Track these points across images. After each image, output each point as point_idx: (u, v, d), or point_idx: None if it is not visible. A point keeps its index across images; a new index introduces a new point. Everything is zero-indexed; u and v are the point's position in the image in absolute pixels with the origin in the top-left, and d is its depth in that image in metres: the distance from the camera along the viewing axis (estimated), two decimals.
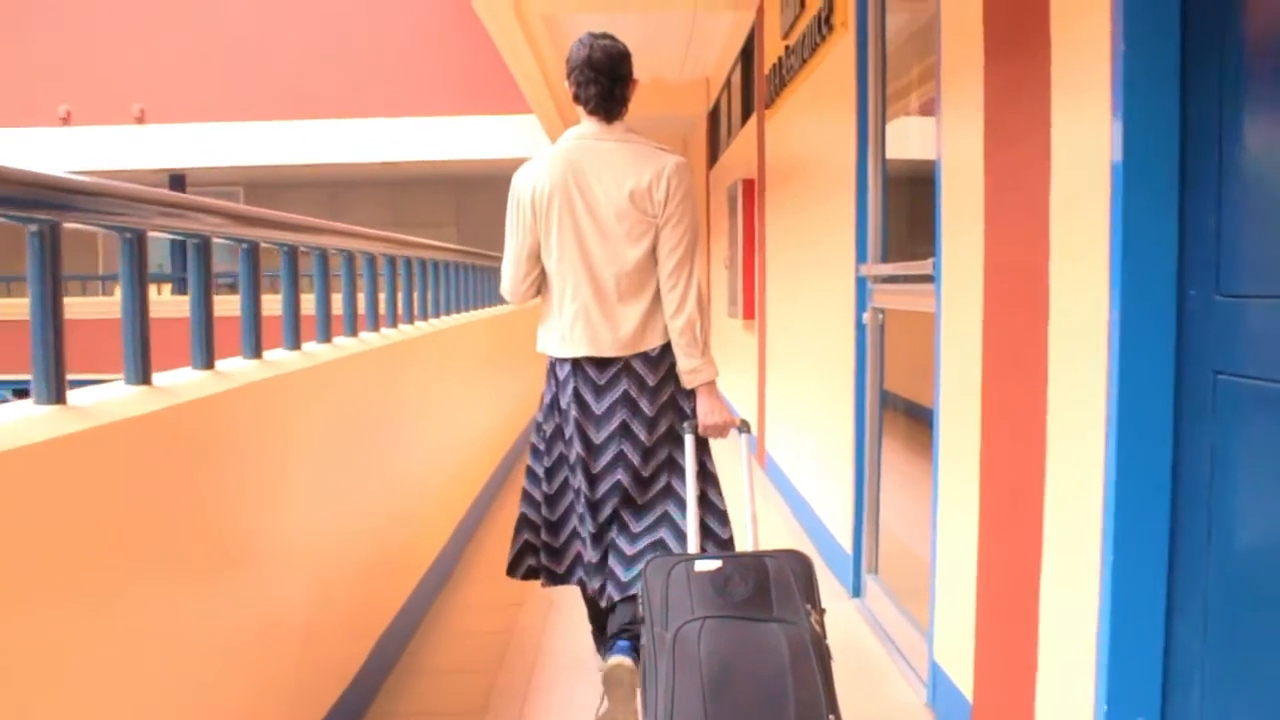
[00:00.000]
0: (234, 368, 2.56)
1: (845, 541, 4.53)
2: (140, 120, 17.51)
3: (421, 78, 17.67)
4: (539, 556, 3.35)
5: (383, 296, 4.27)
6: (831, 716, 2.35)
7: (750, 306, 7.84)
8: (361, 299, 3.94)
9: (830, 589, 4.56)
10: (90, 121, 17.45)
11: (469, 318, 6.09)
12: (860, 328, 4.32)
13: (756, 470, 7.43)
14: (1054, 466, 2.34)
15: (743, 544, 3.02)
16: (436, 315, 5.36)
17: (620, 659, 2.98)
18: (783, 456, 6.48)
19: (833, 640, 2.51)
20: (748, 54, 8.39)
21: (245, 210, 2.67)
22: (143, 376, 2.10)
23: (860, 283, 4.32)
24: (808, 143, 5.61)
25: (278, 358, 2.86)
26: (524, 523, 3.36)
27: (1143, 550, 2.03)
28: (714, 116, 11.97)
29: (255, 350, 2.72)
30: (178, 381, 2.22)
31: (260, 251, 2.77)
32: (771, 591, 2.51)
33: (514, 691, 3.58)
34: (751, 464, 3.15)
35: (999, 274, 2.69)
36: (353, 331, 3.73)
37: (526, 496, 3.38)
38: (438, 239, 5.49)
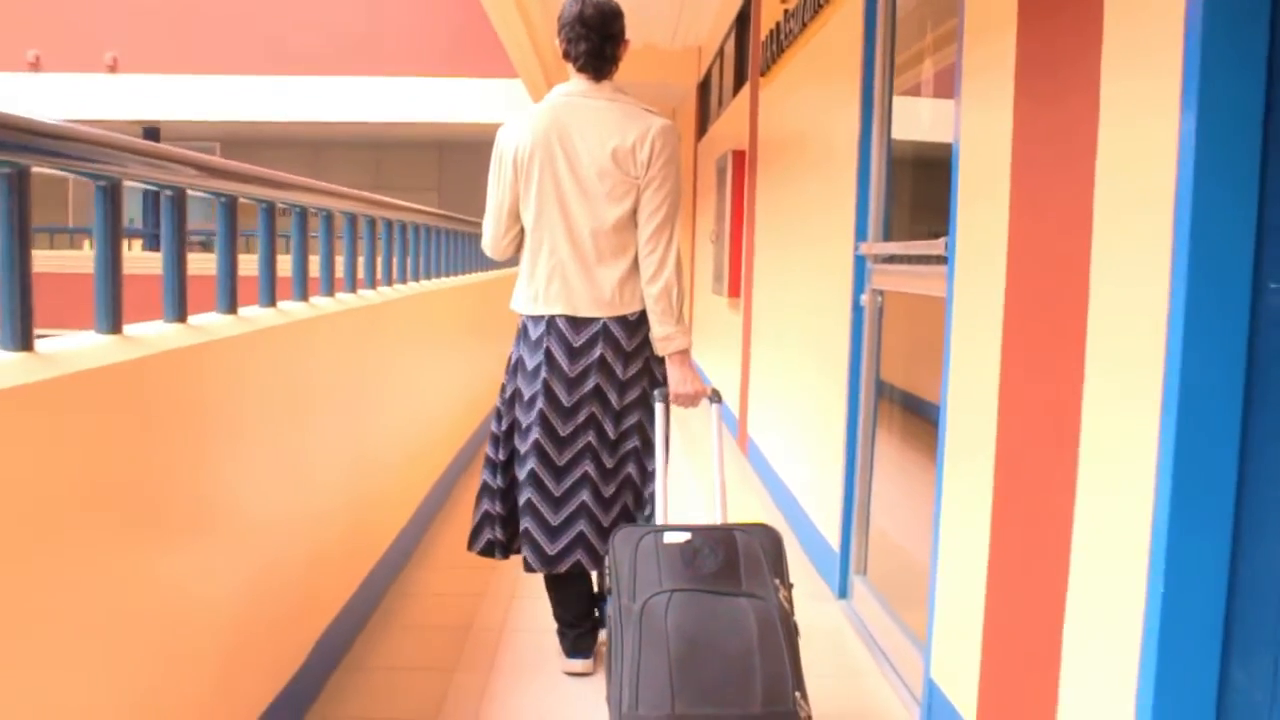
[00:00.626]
0: (207, 322, 2.48)
1: (832, 538, 4.25)
2: (113, 69, 17.04)
3: (407, 37, 17.23)
4: (495, 529, 3.30)
5: (361, 259, 4.19)
6: (798, 693, 2.34)
7: (736, 283, 7.53)
8: (340, 260, 3.87)
9: (814, 589, 4.28)
10: (60, 68, 16.96)
11: (448, 283, 5.94)
12: (857, 310, 4.03)
13: (728, 441, 7.16)
14: (1089, 477, 2.05)
15: (713, 516, 2.95)
16: (416, 279, 5.26)
17: (578, 665, 3.25)
18: (766, 441, 6.20)
19: (816, 645, 2.37)
20: (743, 20, 8.05)
21: (223, 163, 2.61)
22: (114, 326, 2.05)
23: (859, 262, 4.02)
24: (805, 113, 5.29)
25: (253, 314, 2.78)
26: (484, 491, 3.32)
27: (1199, 583, 1.74)
28: (704, 87, 11.63)
29: (230, 305, 2.66)
30: (149, 333, 2.16)
31: (238, 208, 2.71)
32: (740, 565, 2.51)
33: (470, 691, 3.31)
34: (722, 434, 3.10)
35: (1026, 257, 2.39)
36: (330, 291, 3.65)
37: (488, 463, 3.32)
38: (419, 203, 5.44)
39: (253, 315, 2.76)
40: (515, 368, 3.25)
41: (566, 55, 3.17)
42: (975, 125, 2.76)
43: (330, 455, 3.33)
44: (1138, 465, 1.83)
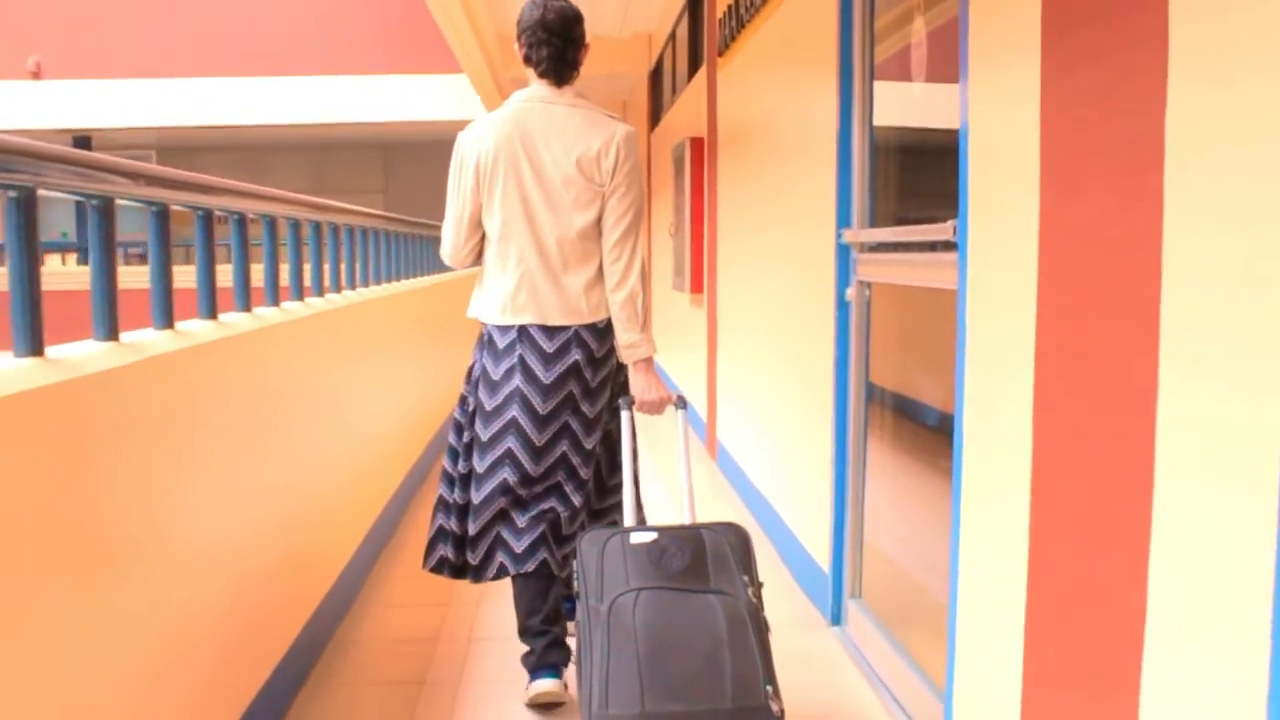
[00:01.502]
0: (142, 339, 2.36)
1: (821, 557, 3.86)
2: (36, 75, 16.32)
3: (346, 34, 16.66)
4: (448, 547, 3.21)
5: (308, 266, 4.09)
6: (769, 687, 2.34)
7: (699, 278, 7.13)
8: (285, 268, 3.75)
9: (803, 614, 3.89)
10: None
11: (396, 289, 5.73)
12: (842, 305, 3.63)
13: (694, 445, 6.79)
14: (1170, 505, 1.65)
15: (681, 518, 2.91)
16: (365, 285, 5.10)
17: (545, 686, 3.04)
18: (738, 445, 5.80)
19: (808, 676, 2.64)
20: (696, 0, 7.65)
21: (153, 169, 2.53)
22: (34, 348, 1.91)
23: (842, 252, 3.63)
24: (771, 92, 4.89)
25: (192, 328, 2.67)
26: (441, 505, 3.25)
27: None
28: (656, 75, 11.22)
29: (166, 320, 2.53)
30: (75, 354, 2.03)
31: (171, 217, 2.59)
32: (708, 563, 2.51)
33: (442, 699, 3.25)
34: (687, 438, 3.09)
35: (1067, 239, 1.99)
36: (275, 301, 3.56)
37: (445, 476, 3.26)
38: (365, 206, 5.28)
39: (192, 330, 2.63)
40: (477, 379, 3.17)
41: (528, 60, 3.11)
42: (990, 85, 2.36)
43: (279, 470, 3.19)
44: (1244, 490, 1.44)
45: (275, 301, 3.55)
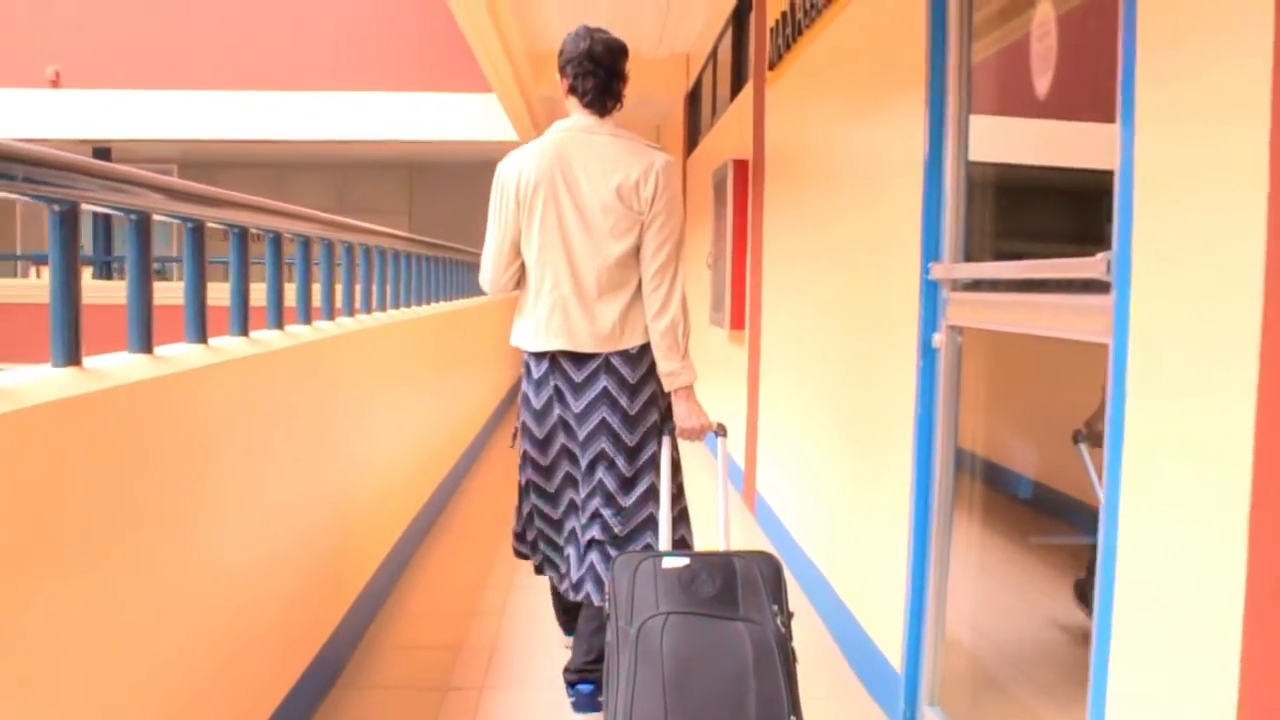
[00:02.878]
0: (175, 353, 2.38)
1: (891, 653, 3.24)
2: (55, 84, 15.91)
3: (374, 50, 16.20)
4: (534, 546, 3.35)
5: (339, 287, 4.12)
6: (793, 717, 2.34)
7: (740, 314, 6.52)
8: (317, 288, 3.78)
9: (867, 717, 3.27)
10: None
11: (426, 311, 5.74)
12: (927, 353, 3.03)
13: (731, 493, 6.19)
14: None
15: (716, 544, 2.91)
16: (396, 306, 5.14)
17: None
18: (784, 505, 5.19)
19: None
20: (741, 13, 7.09)
21: (193, 187, 2.57)
22: (72, 357, 1.96)
23: (928, 290, 3.03)
24: (833, 107, 4.32)
25: (224, 344, 2.68)
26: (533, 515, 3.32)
27: None
28: (693, 98, 10.68)
29: (200, 335, 2.57)
30: (111, 365, 2.07)
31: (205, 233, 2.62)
32: (738, 590, 2.52)
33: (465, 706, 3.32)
34: (726, 465, 3.10)
35: None
36: (306, 320, 3.58)
37: (536, 491, 3.30)
38: (389, 227, 5.17)
39: (224, 345, 2.66)
40: (524, 403, 3.25)
41: (572, 90, 3.15)
42: (1171, 101, 1.77)
43: (311, 480, 3.23)
44: None
45: (307, 320, 3.58)
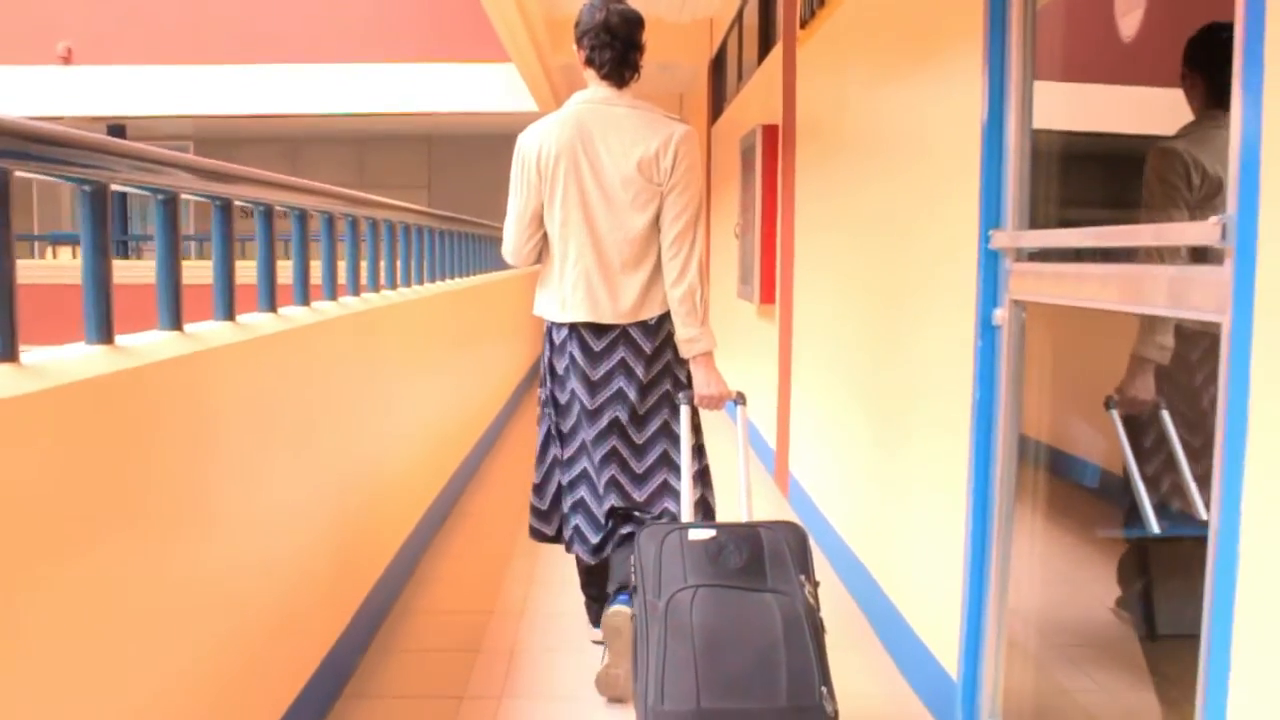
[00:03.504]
0: (204, 330, 2.40)
1: (947, 659, 2.96)
2: (66, 60, 15.69)
3: (391, 20, 15.91)
4: (541, 519, 3.40)
5: (365, 263, 4.08)
6: (824, 688, 2.32)
7: (769, 287, 6.23)
8: (342, 265, 3.84)
9: None
10: (5, 60, 15.54)
11: (450, 286, 5.75)
12: (987, 331, 2.74)
13: (761, 474, 6.06)
14: None
15: (738, 515, 2.90)
16: (420, 282, 5.11)
17: (620, 607, 3.00)
18: (822, 491, 4.91)
19: None
20: None
21: (221, 166, 2.58)
22: (105, 336, 1.96)
23: (987, 261, 2.74)
24: (873, 66, 4.01)
25: (252, 320, 2.72)
26: (557, 487, 3.36)
27: None
28: (718, 64, 10.35)
29: (228, 312, 2.59)
30: (143, 343, 2.07)
31: (233, 211, 2.67)
32: (766, 562, 2.51)
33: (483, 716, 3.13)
34: (746, 434, 3.09)
35: None
36: (333, 295, 3.61)
37: (553, 460, 3.35)
38: (408, 201, 5.07)
39: (253, 322, 2.69)
40: (547, 372, 3.29)
41: (589, 63, 3.16)
42: None
43: (326, 467, 3.16)
44: None
45: (333, 296, 3.58)
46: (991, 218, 2.72)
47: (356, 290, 3.85)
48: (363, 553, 3.57)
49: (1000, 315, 2.69)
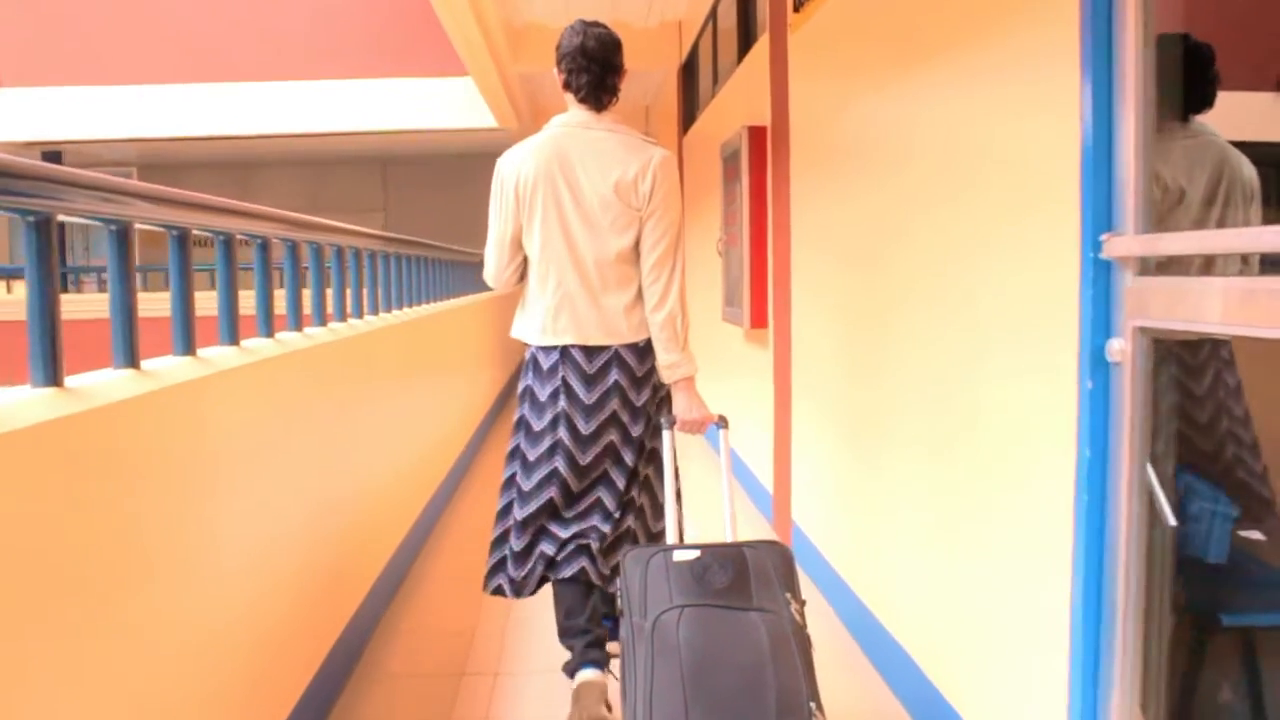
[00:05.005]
0: (163, 367, 2.30)
1: None
2: None
3: (341, 34, 15.14)
4: (510, 568, 3.24)
5: (330, 291, 3.97)
6: (813, 704, 2.30)
7: (760, 309, 5.52)
8: (306, 294, 3.77)
9: None
10: None
11: (417, 313, 5.53)
12: (1099, 369, 2.05)
13: (761, 523, 5.31)
14: None
15: (723, 535, 2.87)
16: (387, 309, 5.03)
17: (589, 674, 3.07)
18: (837, 551, 4.20)
19: None
20: None
21: (175, 194, 2.43)
22: (52, 378, 1.87)
23: (1097, 275, 2.05)
24: (897, 43, 3.33)
25: (212, 355, 2.60)
26: (508, 524, 3.27)
27: None
28: (688, 70, 9.68)
29: (187, 346, 2.49)
30: (95, 383, 1.98)
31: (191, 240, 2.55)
32: (751, 581, 2.50)
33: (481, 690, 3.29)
34: (729, 457, 3.07)
35: None
36: (297, 326, 3.56)
37: (513, 490, 3.25)
38: (363, 225, 4.77)
39: (214, 356, 2.58)
40: (524, 396, 3.26)
41: (567, 86, 3.19)
42: None
43: (306, 492, 3.14)
44: None
45: (298, 326, 3.53)
46: (1101, 219, 2.03)
47: (323, 320, 3.77)
48: (342, 582, 3.54)
49: (1118, 348, 2.00)
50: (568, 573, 3.13)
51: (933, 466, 3.02)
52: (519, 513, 3.18)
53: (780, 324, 5.08)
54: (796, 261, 4.77)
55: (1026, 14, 2.34)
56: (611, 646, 3.18)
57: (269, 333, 3.13)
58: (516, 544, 3.18)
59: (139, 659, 1.96)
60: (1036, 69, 2.29)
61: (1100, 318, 2.04)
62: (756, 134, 5.43)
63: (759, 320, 5.51)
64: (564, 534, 3.15)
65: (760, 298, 5.49)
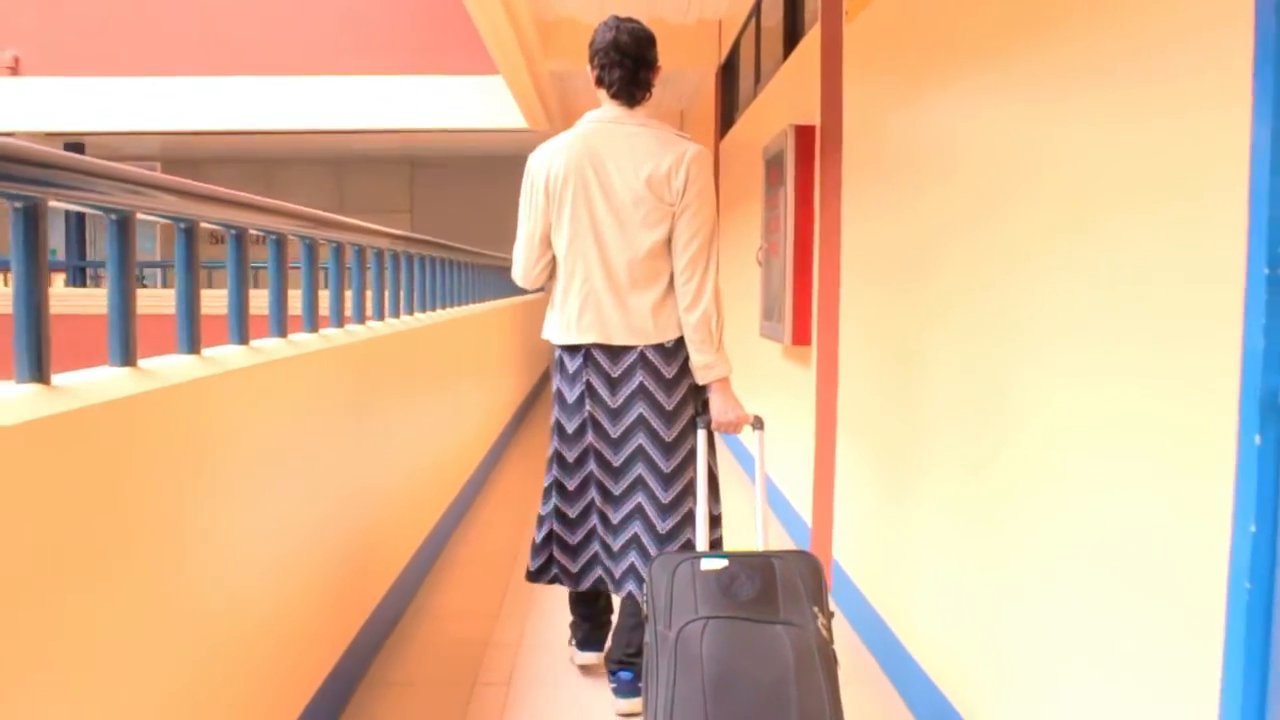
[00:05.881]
0: (162, 366, 2.16)
1: None
2: (14, 71, 14.52)
3: (370, 30, 14.78)
4: (558, 555, 3.29)
5: (349, 293, 3.79)
6: None
7: (804, 326, 5.07)
8: (324, 294, 3.58)
9: None
10: None
11: (444, 315, 5.48)
12: (1272, 418, 1.59)
13: (796, 530, 4.96)
14: None
15: (753, 544, 2.87)
16: (409, 312, 4.86)
17: (588, 658, 3.42)
18: (889, 602, 3.74)
19: None
20: None
21: (180, 183, 2.30)
22: (39, 375, 1.76)
23: (1272, 295, 1.59)
24: (983, 22, 2.88)
25: (218, 354, 2.45)
26: (550, 517, 3.29)
27: None
28: (727, 70, 9.25)
29: (192, 345, 2.36)
30: (85, 382, 1.87)
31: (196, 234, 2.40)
32: (779, 593, 2.45)
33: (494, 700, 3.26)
34: (763, 462, 3.04)
35: None
36: (313, 327, 3.33)
37: (553, 488, 3.28)
38: (389, 225, 4.49)
39: (221, 356, 2.44)
40: (556, 399, 3.24)
41: (599, 82, 3.16)
42: None
43: (311, 500, 2.96)
44: None
45: (314, 328, 3.35)
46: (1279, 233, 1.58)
47: (340, 321, 3.62)
48: (353, 589, 3.45)
49: None
50: (621, 592, 3.18)
51: (1005, 511, 2.56)
52: (571, 510, 3.24)
53: (825, 342, 4.63)
54: (847, 274, 4.32)
55: None
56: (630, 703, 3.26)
57: (281, 333, 2.99)
58: (572, 538, 3.25)
59: (142, 662, 1.91)
60: (1186, 55, 1.84)
61: (1273, 355, 1.58)
62: (804, 134, 4.99)
63: (801, 337, 5.06)
64: (616, 545, 3.16)
65: (804, 312, 5.04)
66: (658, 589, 2.51)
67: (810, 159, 4.97)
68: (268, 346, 2.78)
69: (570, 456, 3.20)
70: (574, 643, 3.46)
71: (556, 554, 3.28)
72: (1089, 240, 2.18)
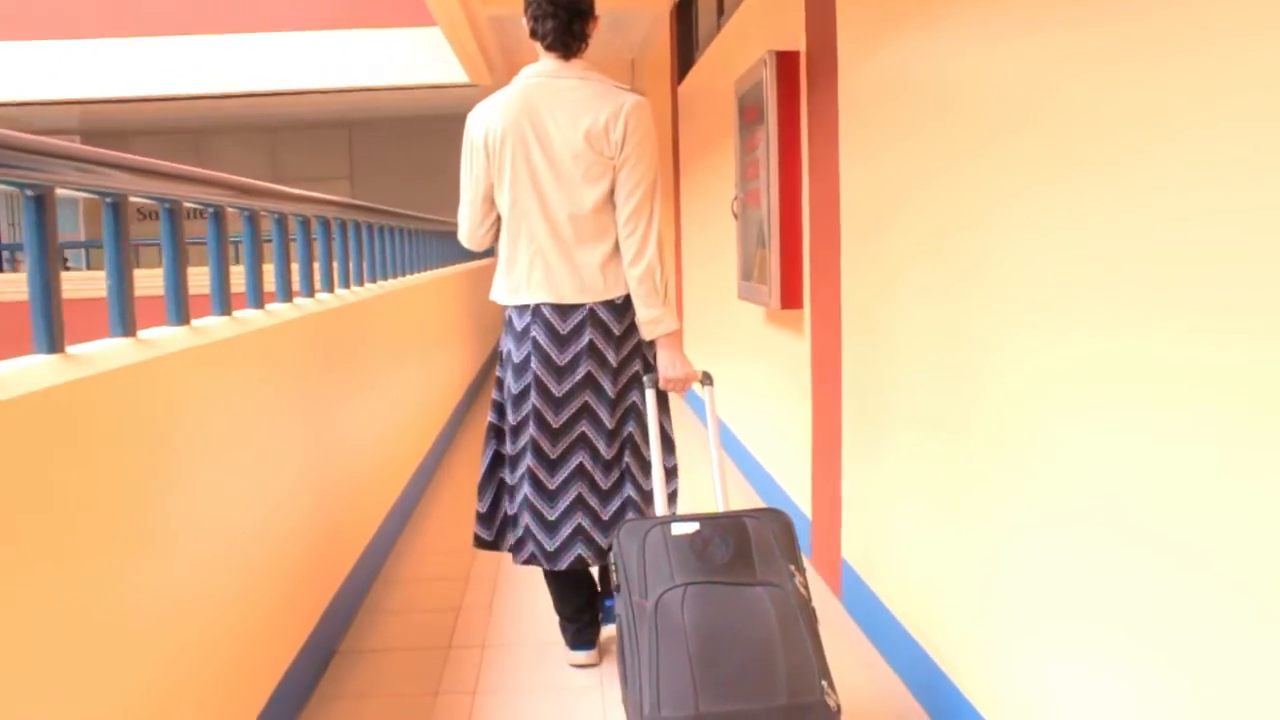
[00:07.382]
0: (90, 351, 2.04)
1: None
2: None
3: None
4: (499, 528, 3.26)
5: (296, 265, 3.72)
6: (824, 682, 2.25)
7: (794, 286, 4.35)
8: (275, 266, 3.49)
9: None
10: None
11: (402, 283, 5.49)
12: None
13: (798, 525, 4.29)
14: None
15: (714, 504, 2.84)
16: (359, 283, 4.72)
17: (582, 656, 3.27)
18: (916, 612, 3.07)
19: None
20: None
21: (166, 166, 2.42)
22: (54, 346, 1.87)
23: None
24: None
25: (156, 336, 2.34)
26: (488, 484, 3.25)
27: None
28: (684, 8, 8.49)
29: (181, 318, 2.49)
30: (95, 350, 1.99)
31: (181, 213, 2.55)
32: (753, 553, 2.42)
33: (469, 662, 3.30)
34: (715, 418, 3.03)
35: None
36: (286, 298, 3.46)
37: (493, 456, 3.24)
38: (329, 194, 4.32)
39: (157, 338, 2.31)
40: (504, 361, 3.20)
41: (533, 34, 3.09)
42: None
43: (295, 462, 3.12)
44: None
45: (288, 298, 3.44)
46: None
47: (288, 296, 3.51)
48: (326, 556, 3.44)
49: None
50: (563, 564, 3.10)
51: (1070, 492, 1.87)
52: (510, 476, 3.18)
53: (822, 304, 3.92)
54: (848, 224, 3.61)
55: None
56: (608, 629, 3.33)
57: (225, 310, 2.88)
58: (510, 507, 3.19)
59: (126, 627, 1.93)
60: None
61: None
62: (787, 61, 4.25)
63: (792, 299, 4.34)
64: (552, 514, 3.10)
65: (794, 271, 4.32)
66: (628, 557, 2.44)
67: (795, 90, 4.24)
68: (211, 326, 2.66)
69: (514, 419, 3.15)
70: (566, 643, 3.34)
71: (500, 526, 3.25)
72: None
